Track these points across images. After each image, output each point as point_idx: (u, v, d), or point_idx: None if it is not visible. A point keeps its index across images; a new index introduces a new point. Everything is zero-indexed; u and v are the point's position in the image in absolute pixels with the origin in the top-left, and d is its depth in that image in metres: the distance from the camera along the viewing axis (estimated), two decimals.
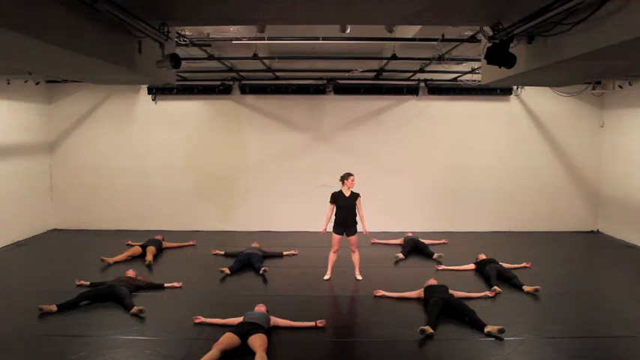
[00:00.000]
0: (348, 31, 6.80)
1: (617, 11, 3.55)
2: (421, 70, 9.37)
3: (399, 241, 9.43)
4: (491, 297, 6.61)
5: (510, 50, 4.89)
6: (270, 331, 5.36)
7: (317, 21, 5.98)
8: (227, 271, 7.55)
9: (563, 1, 3.86)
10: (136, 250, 8.65)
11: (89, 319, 5.84)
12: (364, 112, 10.92)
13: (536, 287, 6.75)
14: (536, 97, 10.79)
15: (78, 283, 6.95)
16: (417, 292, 6.49)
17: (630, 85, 9.77)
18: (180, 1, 5.10)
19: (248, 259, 8.00)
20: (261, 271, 7.56)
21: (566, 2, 3.83)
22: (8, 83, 9.33)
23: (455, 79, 10.25)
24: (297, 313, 5.92)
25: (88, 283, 6.92)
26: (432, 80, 10.56)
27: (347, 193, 7.34)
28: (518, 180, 10.97)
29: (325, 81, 10.68)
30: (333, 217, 7.36)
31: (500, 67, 5.06)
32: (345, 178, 7.36)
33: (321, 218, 7.47)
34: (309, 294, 6.89)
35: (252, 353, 4.74)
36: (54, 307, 5.98)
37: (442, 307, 5.83)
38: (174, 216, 10.95)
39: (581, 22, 3.93)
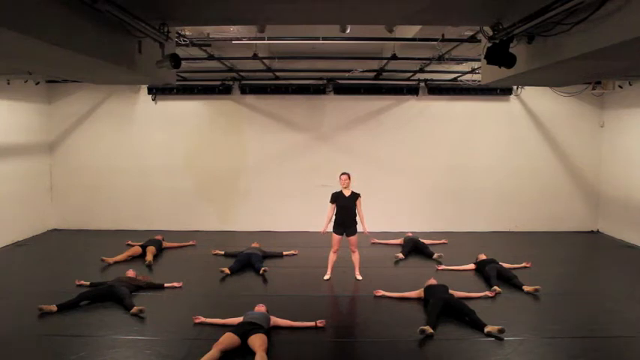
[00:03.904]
0: (348, 31, 6.80)
1: (617, 11, 3.55)
2: (421, 70, 9.37)
3: (399, 241, 9.43)
4: (491, 297, 6.61)
5: (510, 50, 4.89)
6: (270, 331, 5.36)
7: (317, 21, 5.98)
8: (227, 271, 7.55)
9: (563, 1, 3.87)
10: (136, 250, 8.65)
11: (89, 319, 5.84)
12: (364, 112, 10.92)
13: (536, 287, 6.75)
14: (536, 97, 10.79)
15: (78, 283, 6.95)
16: (417, 292, 6.49)
17: (630, 85, 9.77)
18: (180, 1, 5.11)
19: (248, 259, 8.00)
20: (261, 271, 7.56)
21: (566, 2, 3.84)
22: (8, 83, 9.33)
23: (455, 79, 10.25)
24: (297, 313, 5.92)
25: (88, 283, 6.92)
26: (432, 80, 10.56)
27: (347, 193, 7.33)
28: (518, 180, 10.97)
29: (325, 81, 10.68)
30: (333, 217, 7.36)
31: (500, 67, 5.06)
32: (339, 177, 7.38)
33: (321, 218, 7.47)
34: (309, 294, 6.89)
35: (252, 353, 4.74)
36: (54, 307, 5.98)
37: (442, 307, 5.83)
38: (174, 216, 10.95)
39: (581, 22, 3.94)
